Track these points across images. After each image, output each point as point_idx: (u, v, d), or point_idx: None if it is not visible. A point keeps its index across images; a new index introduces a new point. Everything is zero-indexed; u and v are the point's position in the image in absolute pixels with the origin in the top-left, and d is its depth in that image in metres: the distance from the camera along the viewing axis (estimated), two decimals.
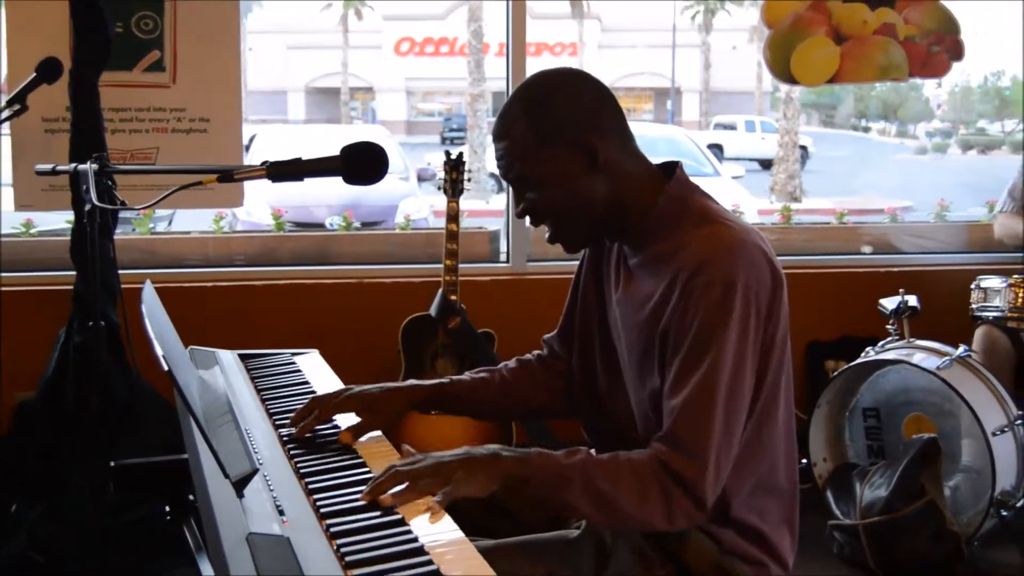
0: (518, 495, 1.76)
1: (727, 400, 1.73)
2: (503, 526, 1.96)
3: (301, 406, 2.00)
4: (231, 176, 2.17)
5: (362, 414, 2.01)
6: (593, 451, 1.82)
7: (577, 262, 2.15)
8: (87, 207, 2.43)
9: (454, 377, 2.19)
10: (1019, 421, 3.52)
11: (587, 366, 2.09)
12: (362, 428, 1.97)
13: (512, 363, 2.22)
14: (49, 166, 2.74)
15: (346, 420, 2.00)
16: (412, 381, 2.18)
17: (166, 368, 1.50)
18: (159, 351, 1.54)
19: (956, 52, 4.56)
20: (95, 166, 2.41)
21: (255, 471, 1.57)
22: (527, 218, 1.94)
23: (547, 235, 1.95)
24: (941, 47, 4.54)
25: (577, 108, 1.87)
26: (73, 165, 2.59)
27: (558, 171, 1.85)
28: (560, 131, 1.85)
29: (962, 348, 3.63)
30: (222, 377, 2.11)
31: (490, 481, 1.71)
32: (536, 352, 2.25)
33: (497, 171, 1.97)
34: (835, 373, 3.81)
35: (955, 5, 4.57)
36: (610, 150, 1.86)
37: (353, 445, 1.88)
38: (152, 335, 1.61)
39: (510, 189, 1.89)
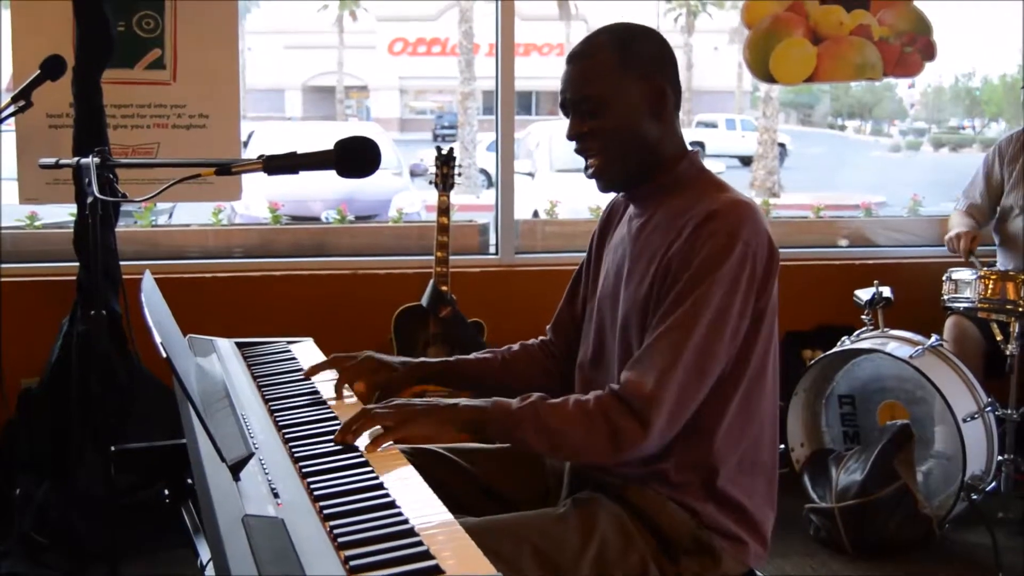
0: (477, 438, 1.87)
1: (703, 340, 1.80)
2: (490, 506, 2.01)
3: (296, 392, 2.07)
4: (228, 169, 2.17)
5: (377, 374, 2.14)
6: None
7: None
8: (89, 200, 2.43)
9: (460, 356, 2.28)
10: (989, 408, 3.58)
11: (587, 337, 2.14)
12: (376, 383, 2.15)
13: (516, 346, 2.31)
14: (53, 160, 2.76)
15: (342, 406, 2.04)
16: (422, 359, 2.28)
17: (165, 355, 1.53)
18: (158, 339, 1.57)
19: (928, 53, 4.60)
20: (97, 160, 2.42)
21: (251, 455, 1.58)
22: (575, 143, 2.00)
23: (587, 170, 2.02)
24: (914, 48, 4.57)
25: (661, 53, 1.99)
26: (76, 159, 2.59)
27: (627, 101, 1.94)
28: (643, 65, 1.95)
29: (934, 338, 3.69)
30: (219, 364, 2.14)
31: (446, 424, 1.83)
32: (541, 337, 2.33)
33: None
34: (812, 362, 3.86)
35: (928, 7, 4.61)
36: (670, 102, 1.97)
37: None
38: (151, 324, 1.65)
39: (571, 112, 1.99)
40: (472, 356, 2.28)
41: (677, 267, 1.85)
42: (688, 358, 1.79)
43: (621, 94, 1.93)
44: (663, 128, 1.98)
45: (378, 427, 1.79)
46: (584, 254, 2.25)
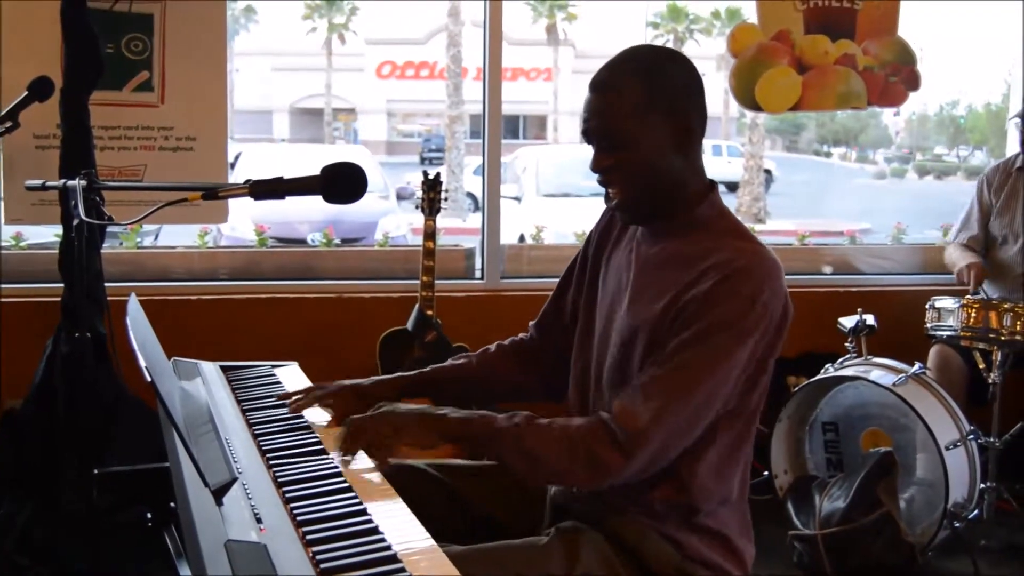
0: (461, 449, 1.88)
1: (705, 393, 1.79)
2: (475, 533, 2.00)
3: (281, 417, 2.06)
4: (215, 194, 2.17)
5: (355, 402, 2.12)
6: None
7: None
8: (75, 222, 2.43)
9: (436, 365, 2.27)
10: (971, 436, 3.59)
11: (584, 352, 2.12)
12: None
13: (492, 347, 2.30)
14: (39, 182, 2.75)
15: (319, 418, 2.08)
16: (398, 373, 2.27)
17: (149, 379, 1.52)
18: (142, 362, 1.57)
19: (912, 83, 4.63)
20: (83, 182, 2.41)
21: (234, 480, 1.58)
22: (598, 175, 1.95)
23: (609, 200, 1.98)
24: (898, 77, 4.60)
25: (688, 81, 1.93)
26: (62, 181, 2.58)
27: (654, 136, 1.88)
28: (669, 99, 1.89)
29: (917, 365, 3.70)
30: (204, 388, 2.14)
31: (431, 434, 1.85)
32: (521, 335, 2.32)
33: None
34: (796, 388, 3.85)
35: (912, 37, 4.64)
36: (696, 137, 1.93)
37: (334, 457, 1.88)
38: (136, 347, 1.64)
39: (594, 143, 1.93)
40: (448, 363, 2.29)
41: (693, 312, 1.81)
42: (686, 406, 1.79)
43: (646, 130, 1.88)
44: (687, 162, 1.93)
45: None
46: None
